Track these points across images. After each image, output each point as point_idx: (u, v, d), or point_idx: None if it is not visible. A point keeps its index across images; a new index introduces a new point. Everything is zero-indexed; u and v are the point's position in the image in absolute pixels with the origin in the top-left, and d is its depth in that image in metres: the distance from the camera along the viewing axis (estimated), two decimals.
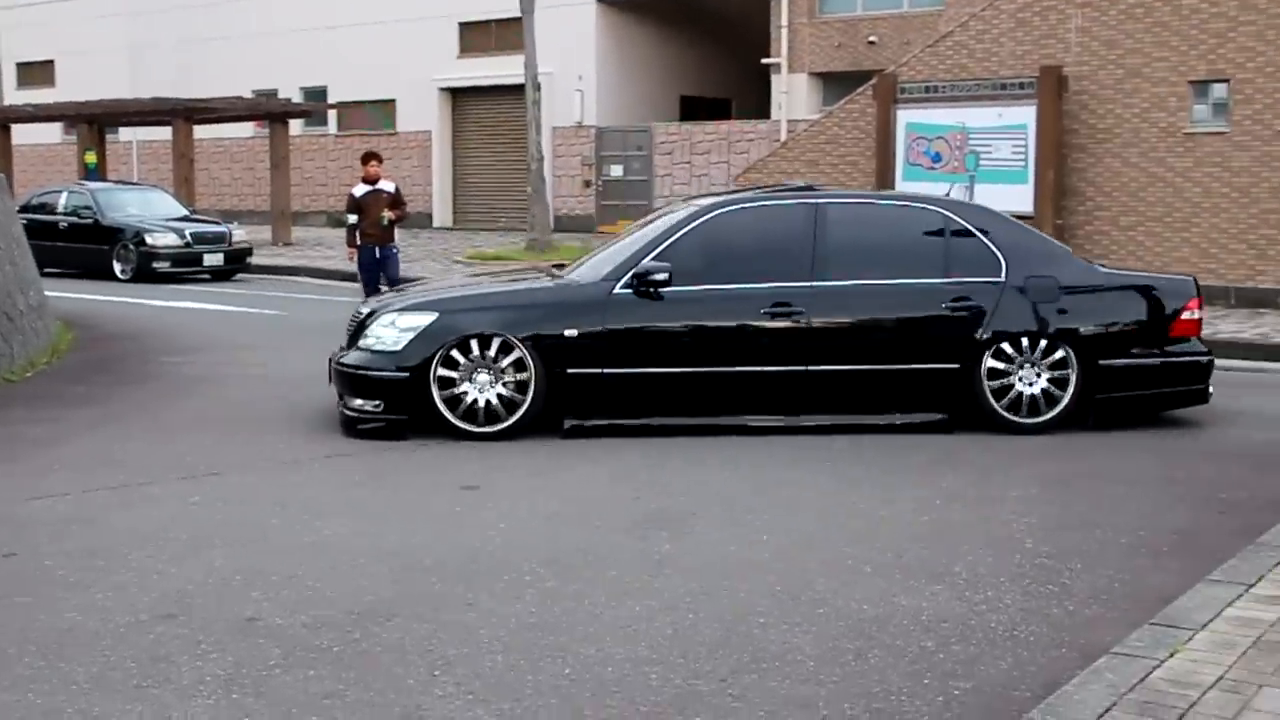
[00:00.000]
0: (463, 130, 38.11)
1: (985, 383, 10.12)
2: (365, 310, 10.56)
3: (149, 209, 25.05)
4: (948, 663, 5.33)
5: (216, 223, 25.50)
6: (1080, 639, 5.57)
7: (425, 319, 9.89)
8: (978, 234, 10.41)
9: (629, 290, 9.96)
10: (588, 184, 34.95)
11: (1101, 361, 10.21)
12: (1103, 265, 11.50)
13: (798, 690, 5.04)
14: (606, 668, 5.24)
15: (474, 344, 9.75)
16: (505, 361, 9.75)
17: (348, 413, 9.97)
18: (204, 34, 41.09)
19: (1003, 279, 10.24)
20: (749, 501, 8.03)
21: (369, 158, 17.03)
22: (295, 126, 36.42)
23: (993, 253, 10.33)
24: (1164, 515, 7.75)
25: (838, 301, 10.16)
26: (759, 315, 10.02)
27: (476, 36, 36.86)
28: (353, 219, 16.74)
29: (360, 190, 16.78)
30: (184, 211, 25.83)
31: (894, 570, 6.59)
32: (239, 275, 24.49)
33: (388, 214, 16.62)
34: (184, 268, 23.70)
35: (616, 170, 34.51)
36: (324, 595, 6.12)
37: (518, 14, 27.03)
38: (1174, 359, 10.43)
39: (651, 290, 9.95)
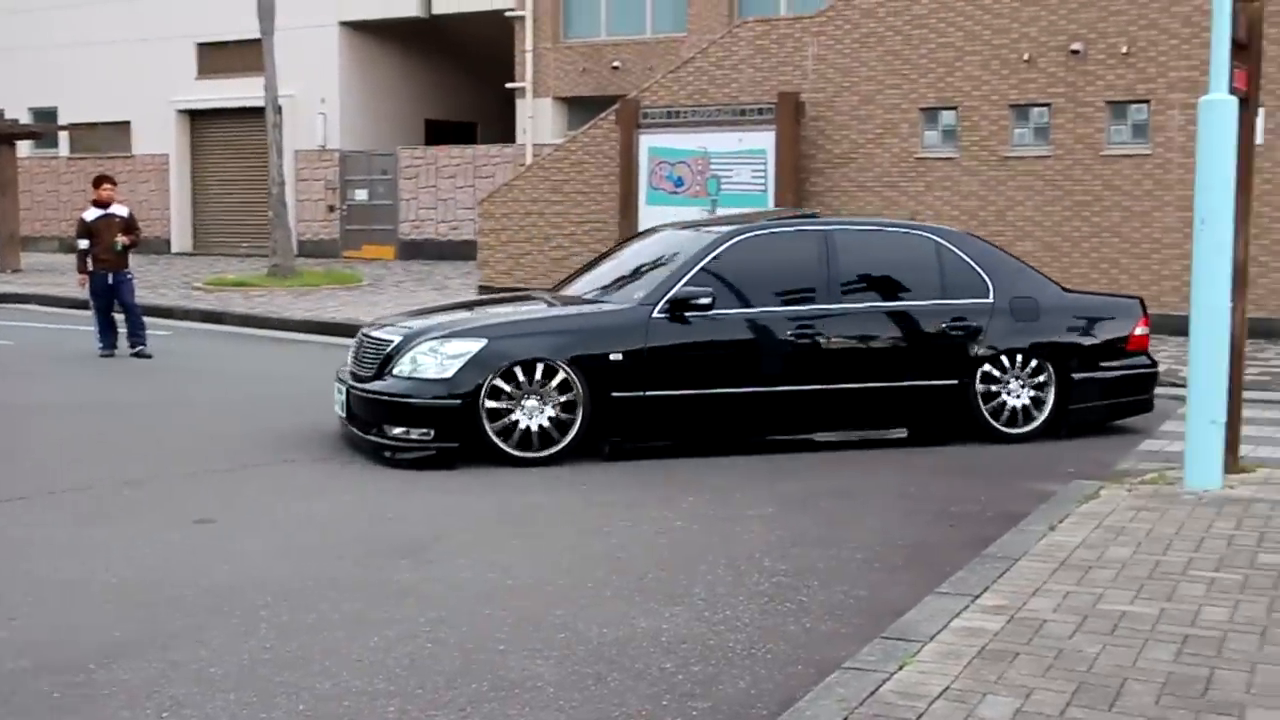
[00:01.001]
0: (202, 153, 37.26)
1: (979, 397, 10.84)
2: (389, 338, 10.23)
3: None
4: (686, 683, 5.36)
5: None
6: (816, 655, 5.66)
7: (474, 345, 9.85)
8: (965, 258, 11.23)
9: (665, 314, 10.21)
10: (332, 208, 34.47)
11: (1074, 375, 11.08)
12: (1064, 288, 12.22)
13: (537, 717, 5.00)
14: (343, 702, 5.13)
15: (522, 369, 9.80)
16: (552, 385, 9.83)
17: (384, 441, 9.83)
18: None
19: (991, 300, 11.07)
20: (492, 528, 7.98)
21: (101, 181, 16.56)
22: (24, 149, 35.14)
23: (980, 276, 11.15)
24: (898, 530, 7.95)
25: (853, 323, 10.77)
26: (785, 337, 10.51)
27: (216, 57, 36.08)
28: (84, 244, 16.26)
29: (91, 215, 16.31)
30: None
31: (635, 593, 6.61)
32: None
33: (121, 239, 16.18)
34: None
35: (361, 195, 34.12)
36: (46, 636, 5.87)
37: (257, 35, 26.55)
38: (1131, 371, 11.40)
39: (688, 314, 10.24)
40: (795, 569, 7.05)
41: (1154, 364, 11.70)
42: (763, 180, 20.16)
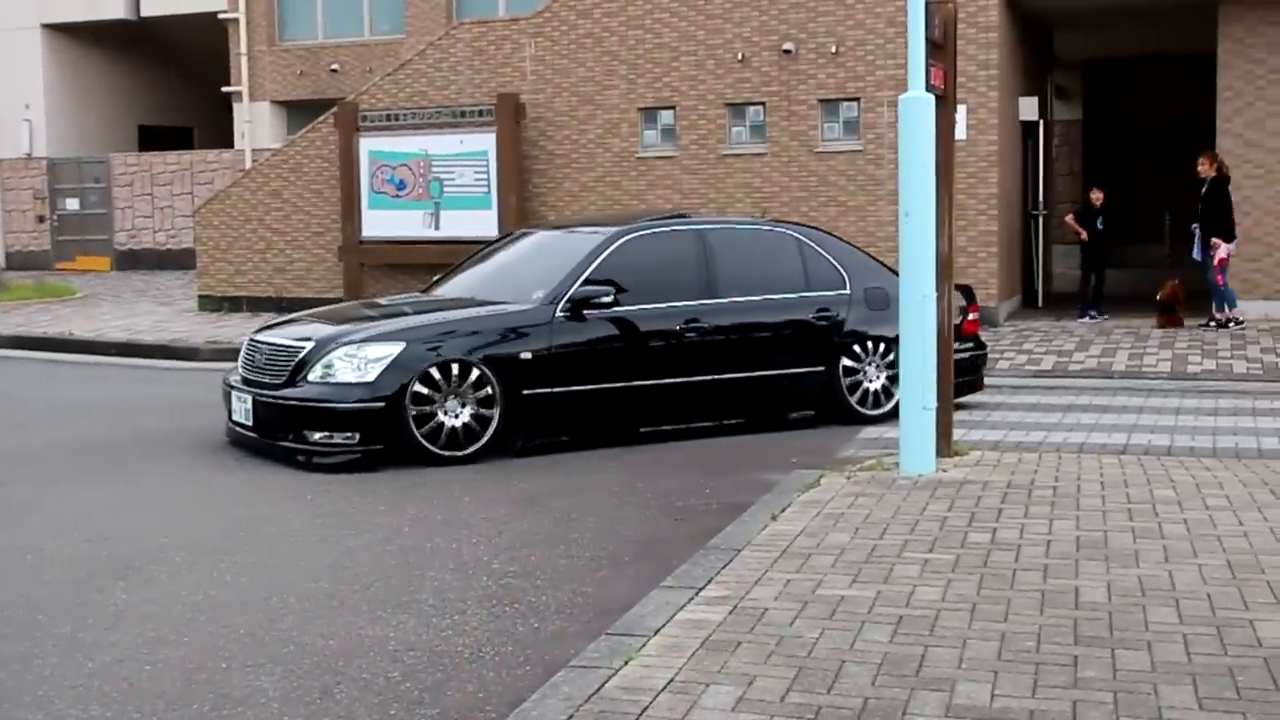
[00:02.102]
0: None
1: (842, 381, 11.56)
2: (298, 344, 10.31)
3: None
4: (414, 691, 5.32)
5: None
6: (545, 655, 5.67)
7: (394, 349, 10.03)
8: (823, 253, 12.03)
9: (567, 313, 10.60)
10: (41, 219, 33.16)
11: None
12: None
13: None
14: None
15: (440, 370, 10.00)
16: (468, 384, 10.05)
17: (302, 447, 9.91)
18: None
19: (848, 291, 11.84)
20: (216, 543, 7.77)
21: None
22: None
23: (837, 269, 11.95)
24: (626, 526, 8.02)
25: (733, 316, 11.33)
26: (676, 331, 11.02)
27: None
28: None
29: None
30: None
31: (361, 602, 6.53)
32: None
33: None
34: None
35: (73, 204, 32.89)
36: None
37: None
38: (967, 353, 11.94)
39: (587, 313, 10.66)
40: (523, 570, 7.06)
41: (983, 346, 12.74)
42: (485, 182, 20.11)
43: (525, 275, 11.32)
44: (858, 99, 18.83)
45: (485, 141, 20.06)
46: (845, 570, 6.41)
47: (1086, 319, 18.59)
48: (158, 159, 32.28)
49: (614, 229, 11.52)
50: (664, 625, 5.59)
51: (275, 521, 8.35)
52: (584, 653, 5.33)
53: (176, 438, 11.10)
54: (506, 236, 13.43)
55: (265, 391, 10.27)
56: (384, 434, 9.90)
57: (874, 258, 12.84)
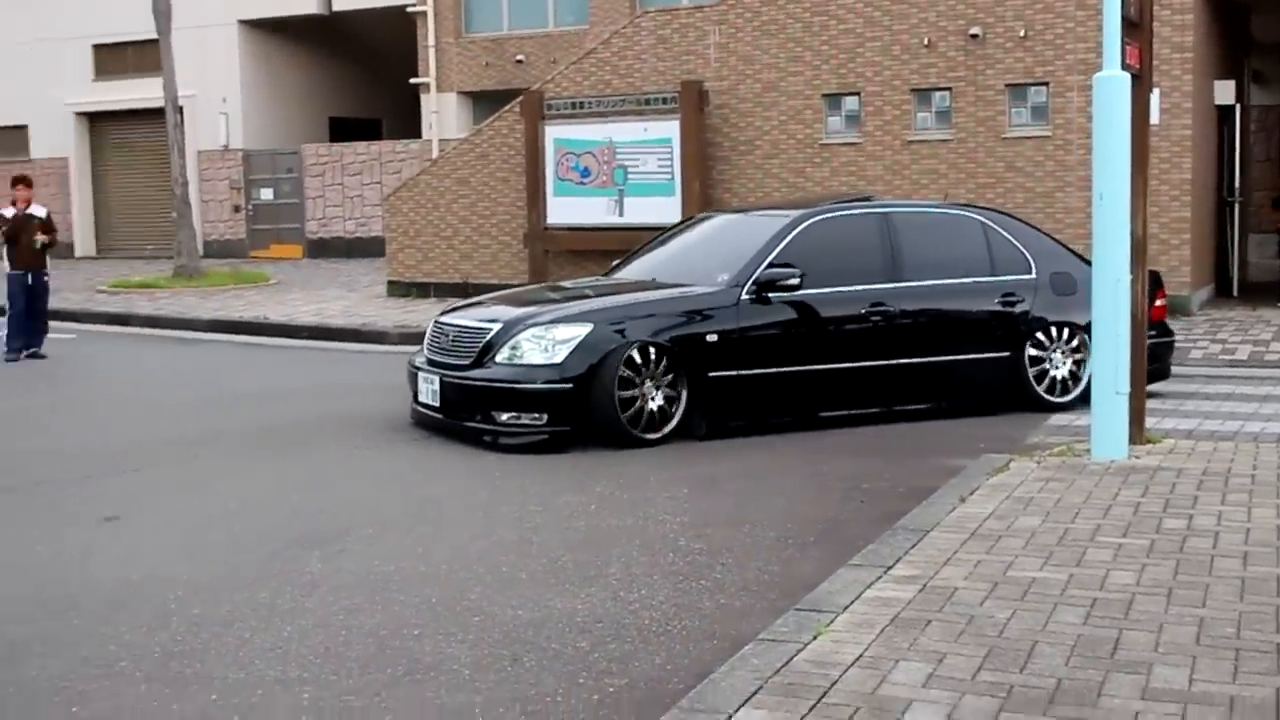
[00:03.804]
0: (103, 156, 36.70)
1: (1028, 368, 11.35)
2: (485, 326, 10.43)
3: None
4: (602, 661, 5.36)
5: None
6: (731, 630, 5.67)
7: (581, 330, 10.10)
8: (1007, 236, 11.82)
9: (752, 295, 10.55)
10: (237, 208, 34.10)
11: None
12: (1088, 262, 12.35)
13: (453, 699, 4.98)
14: (256, 691, 5.09)
15: (639, 352, 10.04)
16: (661, 368, 10.12)
17: (489, 427, 10.07)
18: None
19: (1034, 275, 11.64)
20: (405, 518, 7.93)
21: (18, 181, 16.51)
22: None
23: (1022, 253, 11.74)
24: (810, 508, 7.99)
25: (918, 300, 11.19)
26: (860, 315, 10.92)
27: (112, 59, 35.55)
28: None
29: (10, 212, 16.21)
30: None
31: (549, 576, 6.60)
32: None
33: (40, 238, 16.12)
34: None
35: (267, 194, 33.76)
36: None
37: (155, 35, 26.19)
38: (1153, 340, 11.39)
39: (771, 295, 10.59)
40: (708, 548, 7.07)
41: (1171, 334, 12.28)
42: (669, 169, 20.16)
43: (708, 258, 11.30)
44: (1046, 83, 18.47)
45: (669, 129, 20.09)
46: (1036, 553, 6.31)
47: None
48: (348, 150, 32.96)
49: (799, 211, 11.44)
50: (852, 602, 5.56)
51: (463, 498, 8.48)
52: (772, 627, 5.32)
53: (365, 418, 11.32)
54: (688, 220, 13.43)
55: (452, 373, 10.37)
56: (571, 415, 9.92)
57: (1060, 242, 12.60)
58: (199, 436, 10.62)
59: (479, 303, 11.74)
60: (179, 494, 8.66)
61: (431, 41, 31.25)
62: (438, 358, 10.71)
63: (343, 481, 9.01)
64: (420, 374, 10.73)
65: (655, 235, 13.12)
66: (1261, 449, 9.02)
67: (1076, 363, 11.43)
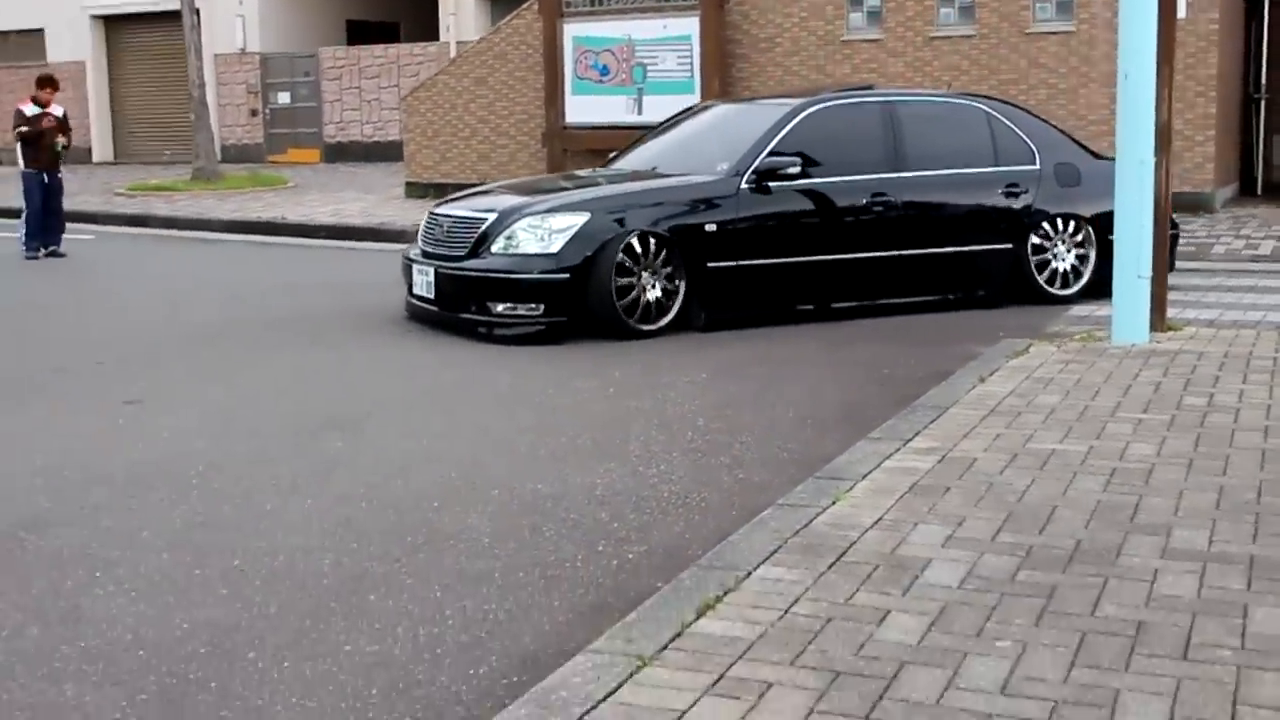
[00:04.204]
0: (120, 60, 36.49)
1: (1030, 259, 11.15)
2: (480, 216, 10.22)
3: None
4: (621, 530, 5.38)
5: None
6: (750, 502, 5.67)
7: (578, 219, 9.87)
8: (1012, 126, 11.57)
9: (752, 184, 10.32)
10: (254, 112, 33.93)
11: (1110, 238, 10.80)
12: (1092, 153, 12.16)
13: (473, 564, 5.01)
14: (277, 557, 5.12)
15: (638, 241, 9.83)
16: (659, 258, 9.92)
17: (484, 319, 9.86)
18: None
19: (1037, 166, 11.40)
20: (424, 402, 7.96)
21: (45, 82, 16.41)
22: None
23: (1026, 143, 11.49)
24: (829, 390, 7.98)
25: (920, 190, 10.95)
26: (863, 205, 10.69)
27: None
28: (25, 129, 16.17)
29: (31, 110, 16.16)
30: None
31: (568, 453, 6.61)
32: None
33: (60, 139, 16.10)
34: None
35: (284, 98, 33.58)
36: None
37: None
38: None
39: (772, 184, 10.36)
40: (728, 428, 7.07)
41: (1176, 226, 11.86)
42: (688, 67, 19.97)
43: (708, 147, 11.08)
44: None
45: (689, 26, 19.89)
46: (1056, 428, 6.30)
47: None
48: (365, 53, 32.73)
49: (799, 100, 11.24)
50: (871, 471, 5.57)
51: (480, 382, 8.48)
52: (791, 493, 5.33)
53: (382, 311, 11.26)
54: (688, 110, 13.22)
55: (447, 264, 10.19)
56: (568, 305, 9.75)
57: (1065, 133, 12.36)
58: (218, 328, 10.64)
59: (481, 191, 11.61)
60: (199, 381, 8.68)
61: None
62: (432, 249, 10.50)
63: (362, 367, 9.01)
64: (415, 266, 10.56)
65: (657, 125, 12.96)
66: None
67: (1080, 256, 11.30)
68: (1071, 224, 11.29)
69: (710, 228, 10.12)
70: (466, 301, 10.02)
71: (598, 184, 10.87)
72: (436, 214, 10.78)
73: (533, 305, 9.76)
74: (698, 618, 4.01)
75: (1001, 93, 18.06)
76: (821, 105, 11.10)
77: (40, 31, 36.59)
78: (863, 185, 10.77)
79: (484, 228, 10.10)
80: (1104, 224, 10.98)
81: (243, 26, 33.71)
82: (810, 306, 10.61)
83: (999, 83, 18.56)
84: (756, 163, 10.41)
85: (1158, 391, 7.05)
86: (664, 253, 9.95)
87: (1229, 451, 5.81)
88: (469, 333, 9.95)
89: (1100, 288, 10.91)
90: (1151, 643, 3.76)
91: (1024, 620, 3.96)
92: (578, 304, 9.76)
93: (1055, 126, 12.38)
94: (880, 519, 4.90)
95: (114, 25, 36.22)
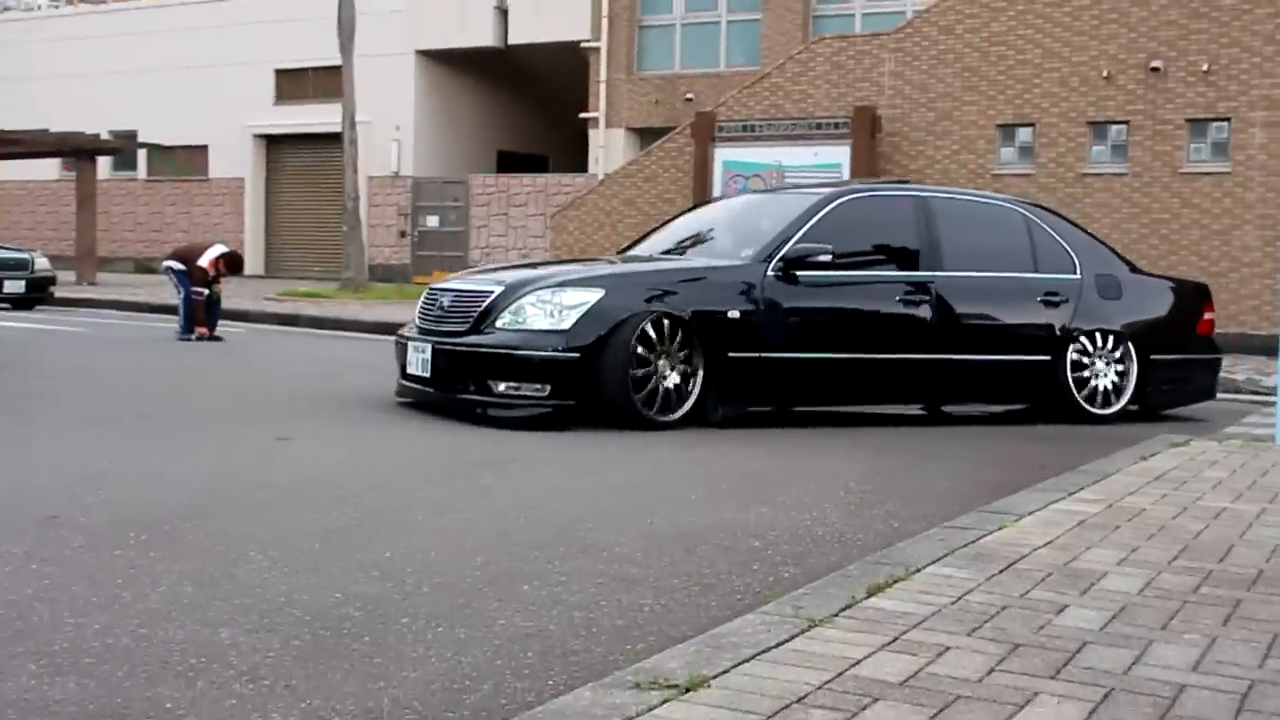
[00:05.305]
0: (277, 178, 37.61)
1: (1069, 374, 10.48)
2: (485, 289, 9.44)
3: None
4: (775, 556, 5.27)
5: (18, 249, 24.61)
6: (906, 543, 5.54)
7: (592, 295, 9.05)
8: (1051, 233, 10.92)
9: (778, 272, 9.59)
10: (403, 234, 34.67)
11: (1152, 357, 10.71)
12: (1132, 266, 11.66)
13: (625, 570, 4.93)
14: (430, 553, 5.08)
15: (653, 325, 9.01)
16: (676, 343, 9.14)
17: (483, 399, 9.05)
18: (5, 71, 40.09)
19: (1079, 276, 10.74)
20: (564, 453, 7.92)
21: (235, 268, 17.26)
22: (103, 170, 35.58)
23: (1067, 252, 10.84)
24: (984, 473, 7.81)
25: (956, 291, 10.23)
26: (896, 303, 10.01)
27: (293, 84, 36.49)
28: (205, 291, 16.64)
29: (212, 273, 16.69)
30: None
31: (723, 498, 6.53)
32: (40, 305, 23.62)
33: (219, 288, 16.78)
34: None
35: (432, 221, 34.30)
36: (133, 503, 5.85)
37: (335, 62, 26.83)
38: (1200, 356, 11.09)
39: (800, 274, 9.64)
40: (880, 490, 6.95)
41: (1219, 351, 11.36)
42: None
43: (734, 234, 10.46)
44: (1228, 119, 18.13)
45: (839, 154, 20.07)
46: (1226, 494, 6.11)
47: None
48: (514, 181, 33.38)
49: (831, 189, 10.60)
50: (1038, 510, 5.42)
51: (632, 445, 8.41)
52: (957, 519, 5.20)
53: None
54: (704, 202, 12.58)
55: (446, 339, 9.35)
56: (577, 388, 8.92)
57: (1106, 244, 11.65)
58: (368, 392, 10.73)
59: (490, 268, 11.08)
60: (350, 426, 8.74)
61: (603, 77, 31.58)
62: (430, 325, 9.69)
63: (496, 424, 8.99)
64: (410, 344, 9.73)
65: (680, 211, 12.35)
66: None
67: (1120, 373, 10.67)
68: (1112, 340, 10.66)
69: (733, 314, 9.35)
70: (465, 380, 9.22)
71: (613, 263, 10.35)
72: (436, 289, 10.02)
73: (538, 385, 8.91)
74: (869, 595, 3.90)
75: (1152, 231, 17.96)
76: (855, 196, 10.44)
77: (204, 148, 37.83)
78: (896, 282, 10.13)
79: (489, 301, 9.28)
80: (1142, 340, 10.70)
81: (398, 150, 34.59)
82: (834, 406, 10.05)
83: (1150, 221, 18.43)
84: (785, 249, 9.66)
85: None
86: (681, 337, 9.14)
87: None
88: (465, 415, 9.16)
89: (1138, 409, 10.68)
90: None
91: (1211, 621, 3.80)
92: (587, 387, 8.95)
93: (1095, 236, 11.74)
94: (1051, 541, 4.76)
95: (274, 144, 37.35)
